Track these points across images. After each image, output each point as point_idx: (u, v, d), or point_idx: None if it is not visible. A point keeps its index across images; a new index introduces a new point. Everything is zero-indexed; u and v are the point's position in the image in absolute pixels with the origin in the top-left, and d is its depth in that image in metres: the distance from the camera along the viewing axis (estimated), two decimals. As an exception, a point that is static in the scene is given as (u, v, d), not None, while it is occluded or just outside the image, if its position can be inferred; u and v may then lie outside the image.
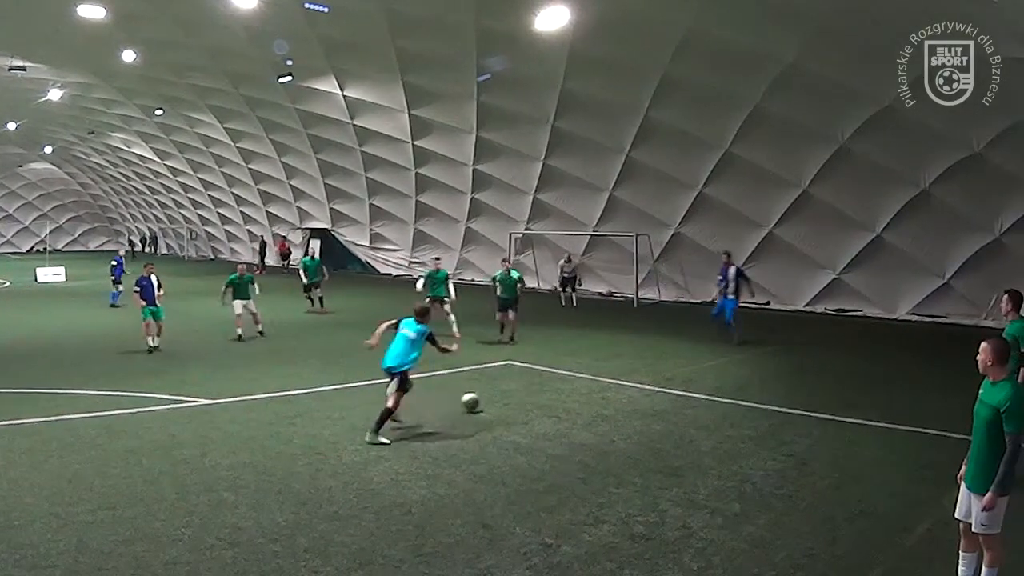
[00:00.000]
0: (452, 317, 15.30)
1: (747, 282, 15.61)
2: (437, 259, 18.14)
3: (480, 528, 6.09)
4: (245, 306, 16.24)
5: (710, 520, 6.26)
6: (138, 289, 14.77)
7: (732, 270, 15.43)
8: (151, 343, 14.62)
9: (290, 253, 37.93)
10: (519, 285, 15.78)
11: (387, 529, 6.06)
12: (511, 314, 15.66)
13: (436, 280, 16.19)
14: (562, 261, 23.43)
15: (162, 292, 15.13)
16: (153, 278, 14.95)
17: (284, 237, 39.24)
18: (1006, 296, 8.24)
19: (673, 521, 6.25)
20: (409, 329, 8.91)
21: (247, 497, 6.70)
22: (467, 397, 9.92)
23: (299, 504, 6.55)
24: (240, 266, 17.03)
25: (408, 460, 7.78)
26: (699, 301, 22.97)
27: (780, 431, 9.04)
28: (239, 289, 16.25)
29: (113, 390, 10.84)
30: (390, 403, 8.58)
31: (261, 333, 16.32)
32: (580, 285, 23.60)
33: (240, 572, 5.30)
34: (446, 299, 15.83)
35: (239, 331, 15.97)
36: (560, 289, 23.34)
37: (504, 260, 17.61)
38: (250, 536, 5.88)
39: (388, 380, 8.79)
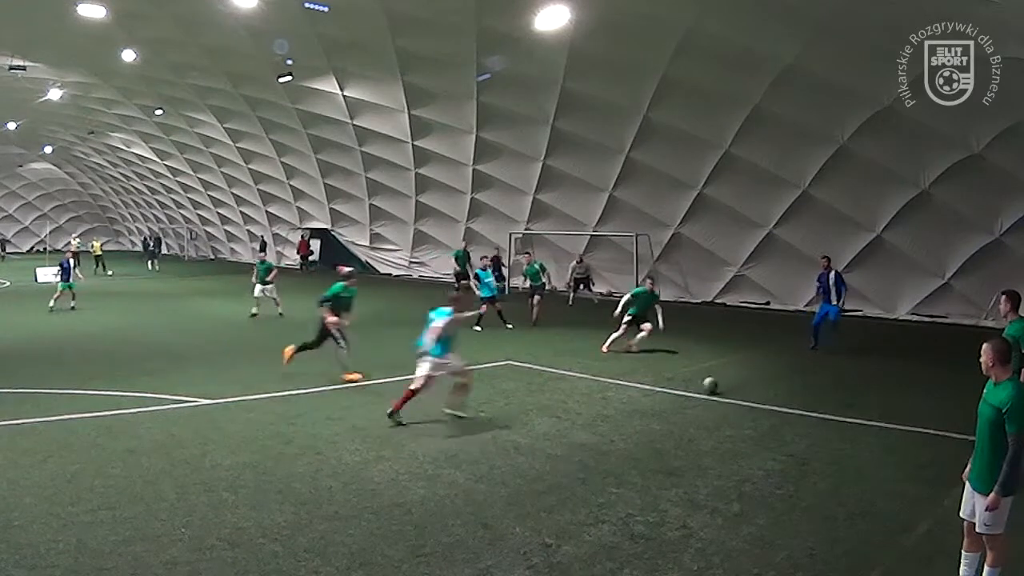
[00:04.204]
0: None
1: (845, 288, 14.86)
2: (528, 253, 21.94)
3: (480, 528, 6.08)
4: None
5: (710, 520, 6.25)
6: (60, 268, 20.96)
7: (832, 275, 14.83)
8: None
9: (311, 254, 37.05)
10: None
11: (387, 529, 6.05)
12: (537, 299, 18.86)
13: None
14: (574, 263, 23.43)
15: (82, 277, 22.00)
16: (71, 261, 21.57)
17: (304, 237, 37.61)
18: (1004, 297, 8.26)
19: (673, 521, 6.24)
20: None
21: (247, 497, 6.69)
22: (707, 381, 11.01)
23: (299, 504, 6.55)
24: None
25: (408, 460, 7.77)
26: (699, 301, 23.00)
27: (780, 431, 9.04)
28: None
29: (113, 390, 10.82)
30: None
31: None
32: (593, 286, 23.53)
33: (240, 572, 5.30)
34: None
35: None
36: (572, 289, 23.35)
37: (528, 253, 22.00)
38: (250, 536, 5.87)
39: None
